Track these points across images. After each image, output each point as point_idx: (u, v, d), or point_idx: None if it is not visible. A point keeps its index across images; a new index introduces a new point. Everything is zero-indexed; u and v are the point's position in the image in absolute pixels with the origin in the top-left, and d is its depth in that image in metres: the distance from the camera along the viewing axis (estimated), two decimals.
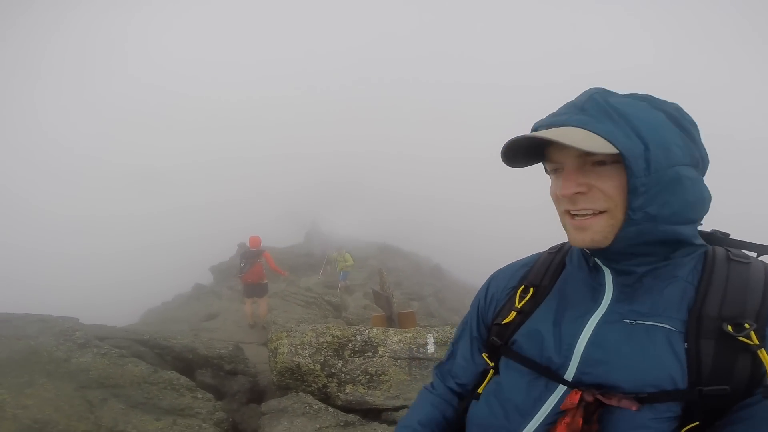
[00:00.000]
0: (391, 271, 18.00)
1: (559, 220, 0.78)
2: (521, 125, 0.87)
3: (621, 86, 0.77)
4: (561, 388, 0.73)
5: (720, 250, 0.75)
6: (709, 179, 0.76)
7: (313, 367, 3.93)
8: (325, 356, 4.00)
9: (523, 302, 0.86)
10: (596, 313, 0.75)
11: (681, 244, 0.72)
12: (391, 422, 3.56)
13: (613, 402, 0.67)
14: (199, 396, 3.90)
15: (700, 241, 0.75)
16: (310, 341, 4.09)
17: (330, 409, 3.63)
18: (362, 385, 3.83)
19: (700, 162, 0.73)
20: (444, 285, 22.48)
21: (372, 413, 3.73)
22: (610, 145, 0.66)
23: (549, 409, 0.73)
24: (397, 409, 3.64)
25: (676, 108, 0.73)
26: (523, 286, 0.89)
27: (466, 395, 0.94)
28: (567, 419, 0.69)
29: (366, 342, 4.11)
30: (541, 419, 0.73)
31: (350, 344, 4.09)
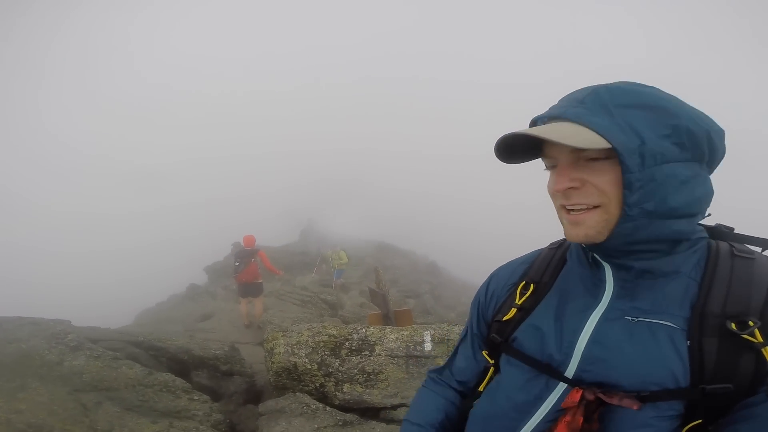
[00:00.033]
0: (388, 269, 18.03)
1: (557, 215, 0.77)
2: (519, 122, 0.86)
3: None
4: (562, 386, 0.72)
5: (723, 245, 0.74)
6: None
7: (309, 367, 3.91)
8: (322, 355, 3.98)
9: (523, 299, 0.85)
10: (597, 309, 0.74)
11: (680, 240, 0.71)
12: (389, 421, 3.55)
13: (614, 401, 0.66)
14: (196, 398, 3.86)
15: (699, 234, 0.74)
16: (307, 341, 4.07)
17: (328, 408, 3.61)
18: (360, 384, 3.82)
19: (707, 156, 0.70)
20: (440, 282, 22.53)
21: (370, 412, 3.72)
22: (602, 140, 0.64)
23: (549, 407, 0.73)
24: (395, 407, 3.63)
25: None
26: (523, 283, 0.88)
27: (468, 393, 0.93)
28: (567, 418, 0.69)
29: (363, 340, 4.10)
30: (542, 417, 0.73)
31: (347, 343, 4.08)
